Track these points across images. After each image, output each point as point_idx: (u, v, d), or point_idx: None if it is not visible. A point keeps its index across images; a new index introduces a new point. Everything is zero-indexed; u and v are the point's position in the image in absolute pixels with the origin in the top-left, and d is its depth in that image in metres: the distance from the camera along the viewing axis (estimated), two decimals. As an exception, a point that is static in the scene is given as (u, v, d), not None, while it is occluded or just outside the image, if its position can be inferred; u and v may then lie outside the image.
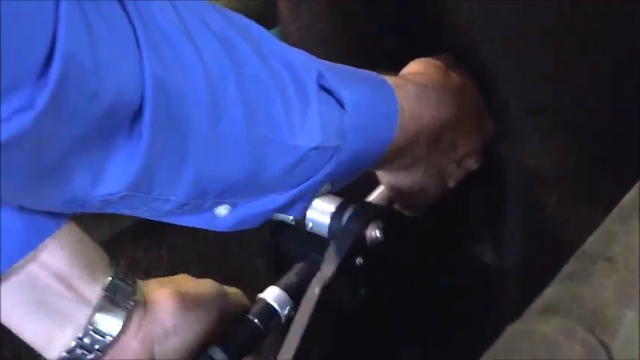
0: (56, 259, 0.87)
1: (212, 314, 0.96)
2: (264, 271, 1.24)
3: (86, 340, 0.87)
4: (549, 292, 0.65)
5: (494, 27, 1.05)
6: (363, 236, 1.05)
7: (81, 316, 0.87)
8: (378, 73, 0.94)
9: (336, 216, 1.06)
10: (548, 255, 1.09)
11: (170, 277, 0.99)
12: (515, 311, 1.10)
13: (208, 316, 0.96)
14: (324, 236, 1.08)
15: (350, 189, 1.10)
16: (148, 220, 1.27)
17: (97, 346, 0.87)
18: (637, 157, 1.04)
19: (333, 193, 1.07)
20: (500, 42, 1.06)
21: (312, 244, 1.10)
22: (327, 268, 1.04)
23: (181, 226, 1.31)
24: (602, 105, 1.04)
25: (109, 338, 0.88)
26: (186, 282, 0.98)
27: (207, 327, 0.96)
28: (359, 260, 1.05)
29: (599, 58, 1.03)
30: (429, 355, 1.21)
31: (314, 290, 1.02)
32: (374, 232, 1.05)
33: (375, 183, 1.13)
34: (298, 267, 1.10)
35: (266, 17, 1.39)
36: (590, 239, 0.71)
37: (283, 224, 1.12)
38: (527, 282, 1.11)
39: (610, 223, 0.73)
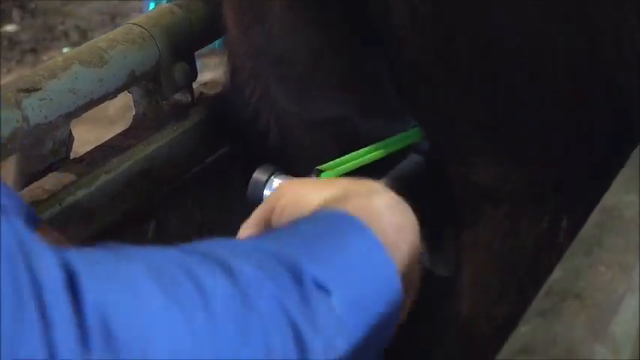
0: None
1: None
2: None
3: None
4: (524, 331, 0.69)
5: (442, 46, 1.09)
6: None
7: None
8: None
9: None
10: (495, 266, 1.14)
11: None
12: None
13: None
14: None
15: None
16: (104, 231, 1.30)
17: None
18: (583, 172, 1.08)
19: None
20: (449, 60, 1.09)
21: None
22: None
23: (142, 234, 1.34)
24: (550, 122, 1.08)
25: None
26: None
27: None
28: None
29: (547, 77, 1.07)
30: None
31: None
32: None
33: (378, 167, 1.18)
34: None
35: (208, 33, 1.41)
36: (556, 275, 0.75)
37: None
38: (477, 293, 1.15)
39: (573, 257, 0.77)
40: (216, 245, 0.69)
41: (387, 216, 0.78)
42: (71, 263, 0.57)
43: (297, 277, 0.68)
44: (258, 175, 1.17)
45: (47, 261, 0.56)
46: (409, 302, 0.82)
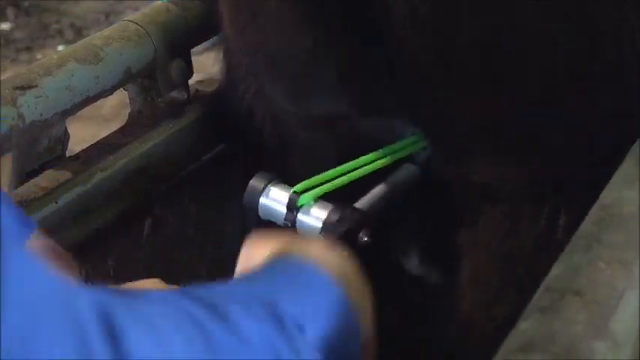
0: None
1: None
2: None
3: None
4: (524, 328, 0.69)
5: (442, 46, 1.08)
6: (355, 241, 1.10)
7: None
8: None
9: (328, 221, 1.10)
10: (495, 265, 1.13)
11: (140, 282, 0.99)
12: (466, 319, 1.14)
13: None
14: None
15: (341, 195, 1.15)
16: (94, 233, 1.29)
17: None
18: (578, 170, 1.08)
19: (324, 199, 1.13)
20: (448, 59, 1.09)
21: None
22: None
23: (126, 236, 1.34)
24: (549, 122, 1.08)
25: None
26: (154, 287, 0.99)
27: None
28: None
29: (547, 77, 1.07)
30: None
31: None
32: (364, 238, 1.10)
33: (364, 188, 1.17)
34: None
35: (204, 30, 1.40)
36: (555, 272, 0.75)
37: (271, 225, 1.16)
38: (476, 293, 1.15)
39: (572, 254, 0.77)
40: (211, 291, 0.79)
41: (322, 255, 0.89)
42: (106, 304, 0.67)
43: (278, 317, 0.78)
44: (255, 182, 1.16)
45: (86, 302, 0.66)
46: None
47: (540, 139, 1.09)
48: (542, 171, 1.10)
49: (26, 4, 4.36)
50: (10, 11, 4.28)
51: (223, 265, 1.37)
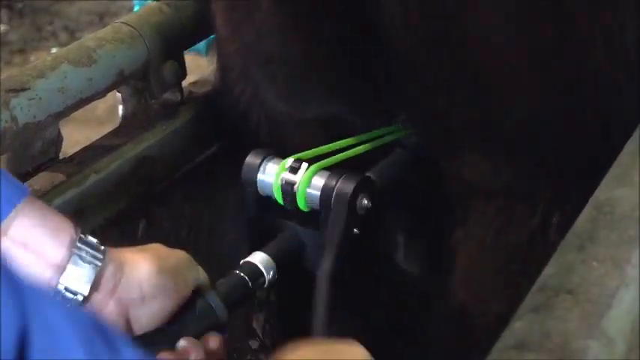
0: (22, 229, 0.88)
1: (186, 281, 0.98)
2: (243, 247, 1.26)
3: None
4: (518, 327, 0.69)
5: (434, 40, 1.09)
6: (354, 205, 1.11)
7: (51, 277, 0.88)
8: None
9: (326, 188, 1.12)
10: (489, 262, 1.14)
11: (143, 246, 0.99)
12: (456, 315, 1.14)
13: (183, 282, 0.97)
14: (314, 208, 1.14)
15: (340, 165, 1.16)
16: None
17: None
18: (573, 168, 1.09)
19: (324, 168, 1.14)
20: (440, 59, 1.09)
21: (297, 218, 1.16)
22: (329, 256, 1.12)
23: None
24: (540, 119, 1.08)
25: (80, 296, 0.89)
26: (159, 250, 0.99)
27: (181, 294, 0.97)
28: (355, 231, 1.13)
29: (537, 75, 1.07)
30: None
31: (323, 277, 1.12)
32: (364, 201, 1.12)
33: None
34: (283, 236, 1.16)
35: (198, 31, 1.40)
36: (549, 270, 0.75)
37: (269, 199, 1.18)
38: (470, 289, 1.15)
39: (565, 252, 0.77)
40: None
41: None
42: None
43: None
44: (251, 158, 1.18)
45: None
46: None
47: (531, 136, 1.09)
48: (533, 168, 1.11)
49: (20, 5, 4.36)
50: (3, 13, 4.27)
51: (217, 266, 1.38)
